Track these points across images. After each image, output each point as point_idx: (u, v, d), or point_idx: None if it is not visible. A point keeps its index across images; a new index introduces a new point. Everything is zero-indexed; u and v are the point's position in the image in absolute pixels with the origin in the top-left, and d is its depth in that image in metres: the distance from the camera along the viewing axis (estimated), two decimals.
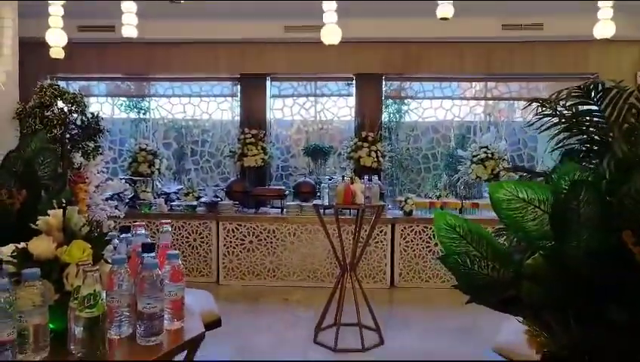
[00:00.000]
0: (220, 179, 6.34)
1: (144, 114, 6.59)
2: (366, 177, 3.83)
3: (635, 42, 5.27)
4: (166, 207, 5.37)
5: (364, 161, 5.42)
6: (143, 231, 1.88)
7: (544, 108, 1.82)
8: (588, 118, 1.76)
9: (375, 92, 5.72)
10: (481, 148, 5.52)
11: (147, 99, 6.59)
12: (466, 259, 1.37)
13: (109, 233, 1.68)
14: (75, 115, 2.95)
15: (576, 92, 1.69)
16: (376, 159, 5.43)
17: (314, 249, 5.14)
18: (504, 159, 5.55)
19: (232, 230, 5.20)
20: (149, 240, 1.65)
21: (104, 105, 6.83)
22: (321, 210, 3.90)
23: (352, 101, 6.20)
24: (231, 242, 5.21)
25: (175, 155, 6.57)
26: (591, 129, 1.73)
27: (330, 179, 3.85)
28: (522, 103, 6.43)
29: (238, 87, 6.01)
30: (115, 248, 1.55)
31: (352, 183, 3.71)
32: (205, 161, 6.53)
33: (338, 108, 6.47)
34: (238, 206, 5.42)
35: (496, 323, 4.22)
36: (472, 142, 6.14)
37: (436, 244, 5.10)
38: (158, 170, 5.87)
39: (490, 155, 5.44)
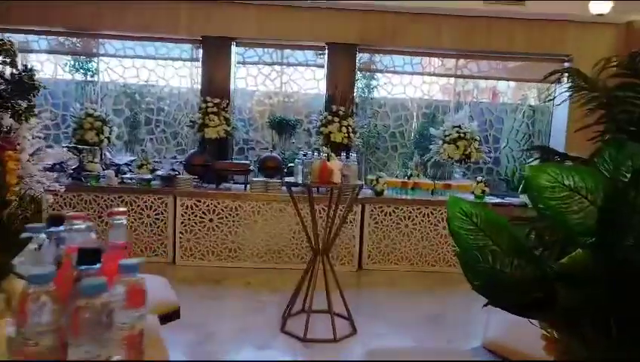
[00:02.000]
0: (177, 151, 5.74)
1: (92, 76, 5.86)
2: (343, 154, 3.44)
3: (612, 25, 5.09)
4: (116, 179, 4.76)
5: (335, 136, 5.01)
6: (84, 226, 1.28)
7: (575, 81, 1.51)
8: (632, 93, 1.45)
9: (348, 64, 5.28)
10: (454, 127, 5.24)
11: (95, 59, 5.85)
12: (488, 255, 1.14)
13: (28, 229, 1.13)
14: (2, 67, 2.35)
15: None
16: (347, 135, 5.03)
17: (279, 229, 4.73)
18: (476, 139, 5.30)
19: (191, 206, 4.69)
20: (92, 239, 1.16)
21: (45, 64, 6.03)
22: (293, 189, 3.48)
23: (320, 73, 5.74)
24: (189, 220, 4.70)
25: (127, 124, 5.91)
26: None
27: (304, 155, 3.42)
28: (490, 82, 6.22)
29: (200, 51, 5.38)
30: (38, 249, 1.04)
31: (329, 160, 3.30)
32: (161, 132, 5.91)
33: (305, 80, 6.00)
34: (197, 181, 4.90)
35: (466, 310, 4.00)
36: (441, 121, 5.88)
37: (407, 226, 4.82)
38: (108, 138, 5.21)
39: (462, 135, 5.17)
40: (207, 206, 4.69)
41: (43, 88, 2.64)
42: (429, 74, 6.00)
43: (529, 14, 4.97)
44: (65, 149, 4.67)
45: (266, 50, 5.70)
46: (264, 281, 4.43)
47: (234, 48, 5.35)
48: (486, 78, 6.01)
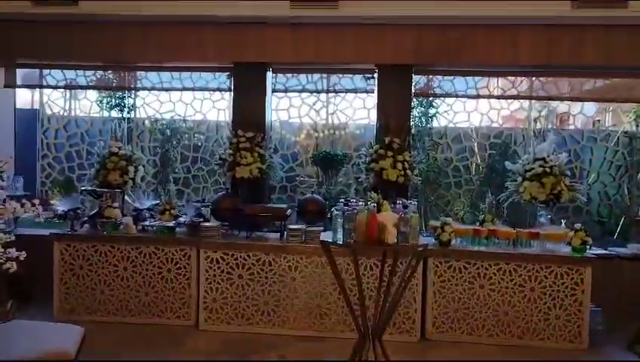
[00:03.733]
0: (215, 191, 5.02)
1: (128, 112, 5.34)
2: (399, 203, 2.50)
3: None
4: (134, 227, 4.05)
5: (388, 173, 4.08)
6: None
7: None
8: None
9: (403, 87, 4.38)
10: (536, 160, 4.15)
11: (131, 94, 5.33)
12: None
13: None
14: None
15: None
16: (402, 172, 4.09)
17: (322, 288, 3.80)
18: (566, 175, 4.18)
19: (217, 260, 3.87)
20: None
21: (83, 103, 5.59)
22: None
23: (370, 101, 4.89)
24: (215, 276, 3.88)
25: (160, 162, 5.30)
26: None
27: (345, 204, 2.52)
28: (574, 106, 5.10)
29: (231, 80, 4.69)
30: None
31: (380, 211, 2.37)
32: (197, 170, 5.23)
33: (353, 108, 5.16)
34: (226, 228, 4.10)
35: None
36: (513, 153, 4.82)
37: (482, 286, 3.74)
38: (132, 179, 4.56)
39: (548, 170, 4.07)
40: (236, 259, 3.85)
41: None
42: (500, 97, 4.98)
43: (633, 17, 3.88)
44: (74, 196, 4.03)
45: (309, 77, 4.93)
46: (302, 354, 3.50)
47: (269, 75, 4.60)
48: (576, 100, 4.90)
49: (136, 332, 3.84)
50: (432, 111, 5.09)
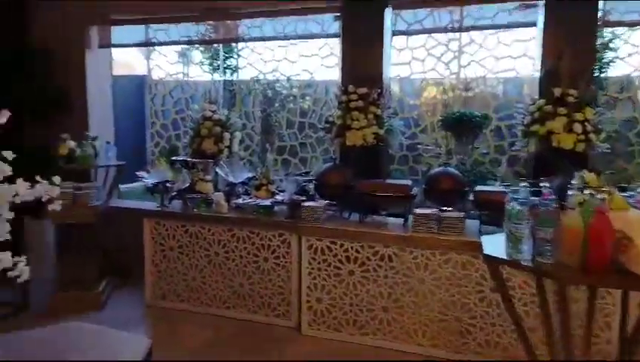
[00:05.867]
0: (325, 163, 4.17)
1: (232, 74, 4.69)
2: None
3: None
4: (226, 205, 3.32)
5: (560, 139, 2.80)
6: None
7: None
8: None
9: (583, 15, 3.00)
10: None
11: (234, 55, 4.66)
12: None
13: None
14: None
15: None
16: (583, 136, 2.78)
17: (461, 295, 2.72)
18: None
19: (323, 250, 2.99)
20: None
21: (187, 67, 5.03)
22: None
23: (517, 47, 3.57)
24: (320, 270, 3.01)
25: (262, 128, 4.57)
26: None
27: (539, 190, 1.41)
28: None
29: (340, 24, 3.67)
30: None
31: (612, 208, 1.22)
32: (304, 137, 4.39)
33: (495, 58, 3.86)
34: (334, 210, 3.19)
35: None
36: None
37: None
38: (228, 147, 3.86)
39: None
40: (347, 251, 2.93)
41: None
42: None
43: None
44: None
45: (436, 16, 3.73)
46: None
47: (389, 13, 3.50)
48: None
49: (230, 329, 3.15)
50: (609, 54, 3.62)
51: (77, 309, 3.57)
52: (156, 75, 4.85)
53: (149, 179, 3.48)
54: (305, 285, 3.04)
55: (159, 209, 3.48)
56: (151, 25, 4.41)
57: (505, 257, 1.50)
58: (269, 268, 3.17)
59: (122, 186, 4.66)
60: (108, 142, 3.99)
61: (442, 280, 2.75)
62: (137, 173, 3.58)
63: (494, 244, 1.68)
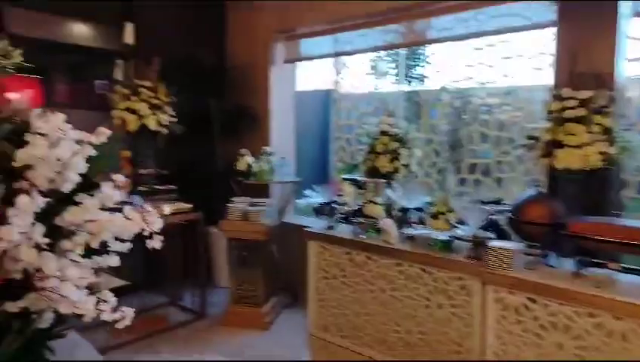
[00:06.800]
0: (529, 185, 3.39)
1: (421, 81, 4.30)
2: None
3: None
4: (395, 233, 2.81)
5: None
6: None
7: None
8: None
9: None
10: None
11: (418, 62, 4.25)
12: None
13: None
14: None
15: None
16: None
17: None
18: None
19: (517, 307, 2.22)
20: None
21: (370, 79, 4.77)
22: None
23: None
24: (512, 333, 2.25)
25: (449, 144, 3.99)
26: None
27: None
28: None
29: (557, 9, 2.83)
30: None
31: None
32: (502, 154, 3.65)
33: None
34: (535, 254, 2.39)
35: None
36: None
37: None
38: (406, 165, 3.40)
39: None
40: (553, 314, 2.11)
41: None
42: None
43: None
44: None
45: None
46: None
47: None
48: None
49: None
50: None
51: (245, 324, 3.55)
52: (342, 87, 4.69)
53: (315, 197, 3.22)
54: (490, 350, 2.32)
55: (323, 232, 3.19)
56: (337, 36, 4.23)
57: None
58: (444, 318, 2.54)
59: (300, 202, 4.61)
60: (283, 158, 3.93)
61: None
62: (305, 191, 3.38)
63: None
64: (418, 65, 4.74)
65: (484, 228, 2.56)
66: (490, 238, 2.43)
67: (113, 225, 1.04)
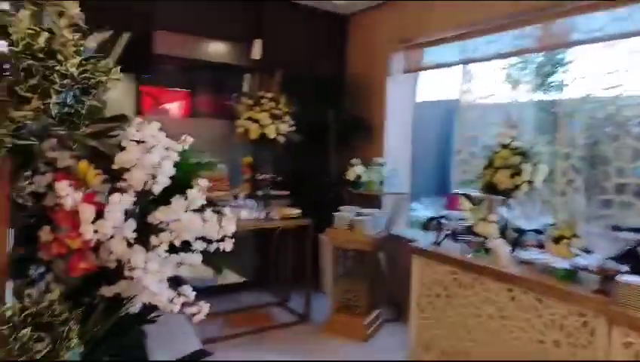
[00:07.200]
0: None
1: (559, 89, 3.91)
2: None
3: None
4: (507, 256, 2.56)
5: None
6: None
7: None
8: None
9: None
10: None
11: (556, 67, 3.85)
12: None
13: None
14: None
15: None
16: None
17: None
18: None
19: None
20: None
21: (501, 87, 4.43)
22: None
23: None
24: None
25: (588, 161, 3.54)
26: None
27: None
28: None
29: None
30: None
31: None
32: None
33: None
34: None
35: None
36: None
37: None
38: (529, 182, 3.09)
39: None
40: None
41: None
42: None
43: None
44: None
45: None
46: None
47: None
48: None
49: None
50: None
51: (346, 333, 3.55)
52: (468, 97, 4.44)
53: (423, 211, 3.10)
54: None
55: (427, 248, 3.04)
56: (463, 43, 4.02)
57: None
58: (561, 354, 2.23)
59: (414, 214, 4.47)
60: (394, 169, 3.85)
61: None
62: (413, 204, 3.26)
63: None
64: (556, 71, 4.28)
65: (619, 258, 2.20)
66: (622, 272, 2.07)
67: (193, 226, 1.13)
